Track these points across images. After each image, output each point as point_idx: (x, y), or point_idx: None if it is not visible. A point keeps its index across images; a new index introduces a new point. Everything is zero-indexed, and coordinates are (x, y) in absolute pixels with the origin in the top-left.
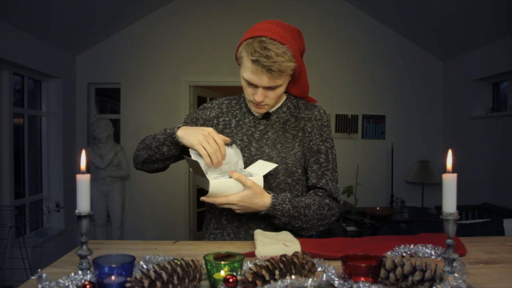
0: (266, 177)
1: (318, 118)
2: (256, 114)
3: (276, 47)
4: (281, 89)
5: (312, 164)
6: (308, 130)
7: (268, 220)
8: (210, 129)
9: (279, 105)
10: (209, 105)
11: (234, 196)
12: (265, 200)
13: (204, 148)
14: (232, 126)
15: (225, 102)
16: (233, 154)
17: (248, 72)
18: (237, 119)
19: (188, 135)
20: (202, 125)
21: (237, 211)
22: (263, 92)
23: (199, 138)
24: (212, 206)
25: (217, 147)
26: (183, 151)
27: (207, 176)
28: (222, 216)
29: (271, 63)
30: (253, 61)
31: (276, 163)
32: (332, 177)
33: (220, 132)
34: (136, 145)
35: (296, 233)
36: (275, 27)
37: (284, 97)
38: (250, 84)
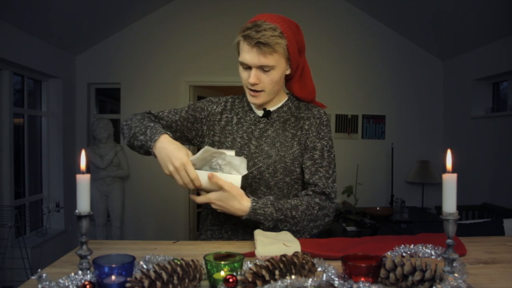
0: (264, 176)
1: (317, 117)
2: (256, 112)
3: (266, 23)
4: (275, 74)
5: (306, 160)
6: (306, 128)
7: None
8: (184, 160)
9: (280, 104)
10: (216, 100)
11: (212, 194)
12: (244, 203)
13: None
14: (233, 123)
15: (230, 100)
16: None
17: (242, 53)
18: (238, 117)
19: (161, 158)
20: (207, 117)
21: (218, 210)
22: (256, 73)
23: (170, 169)
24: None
25: (188, 180)
26: None
27: None
28: (220, 213)
29: (260, 35)
30: (245, 38)
31: (275, 161)
32: (326, 174)
33: (222, 128)
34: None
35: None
36: (270, 14)
37: (286, 98)
38: (245, 68)
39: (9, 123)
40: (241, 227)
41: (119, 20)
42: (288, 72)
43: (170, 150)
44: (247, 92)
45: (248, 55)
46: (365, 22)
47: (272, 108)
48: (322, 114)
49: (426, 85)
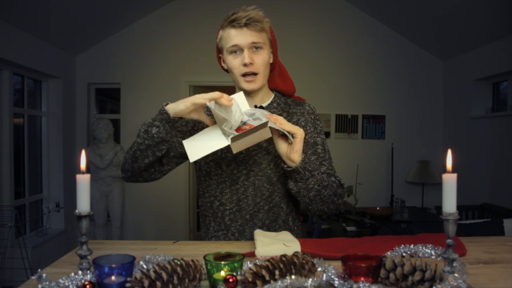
0: (266, 172)
1: (310, 112)
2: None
3: (249, 7)
4: (266, 54)
5: (310, 155)
6: (302, 124)
7: (272, 216)
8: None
9: (269, 101)
10: None
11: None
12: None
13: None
14: None
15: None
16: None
17: (231, 38)
18: None
19: (179, 103)
20: (193, 127)
21: (297, 139)
22: (249, 54)
23: (194, 97)
24: (210, 209)
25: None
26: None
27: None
28: (225, 216)
29: (249, 13)
30: (232, 22)
31: (275, 156)
32: (330, 167)
33: None
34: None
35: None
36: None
37: (273, 95)
38: (235, 51)
39: (9, 123)
40: (248, 226)
41: (119, 20)
42: (271, 60)
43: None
44: (242, 81)
45: (239, 36)
46: (365, 22)
47: (262, 104)
48: (313, 109)
49: (426, 85)
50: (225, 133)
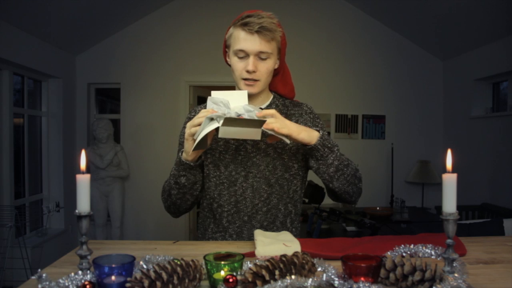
0: (265, 173)
1: (309, 112)
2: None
3: (264, 13)
4: (271, 63)
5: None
6: (302, 125)
7: (270, 217)
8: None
9: (268, 102)
10: (193, 114)
11: (292, 124)
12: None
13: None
14: None
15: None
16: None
17: (240, 41)
18: None
19: (185, 147)
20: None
21: (294, 135)
22: (255, 61)
23: (186, 136)
24: (208, 210)
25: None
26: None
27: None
28: (222, 218)
29: (263, 21)
30: (244, 25)
31: (273, 159)
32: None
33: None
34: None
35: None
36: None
37: (272, 96)
38: (241, 57)
39: (9, 123)
40: (246, 228)
41: (119, 20)
42: (276, 66)
43: None
44: (242, 84)
45: (248, 42)
46: (365, 22)
47: (261, 106)
48: (312, 109)
49: (426, 85)
50: (217, 119)
